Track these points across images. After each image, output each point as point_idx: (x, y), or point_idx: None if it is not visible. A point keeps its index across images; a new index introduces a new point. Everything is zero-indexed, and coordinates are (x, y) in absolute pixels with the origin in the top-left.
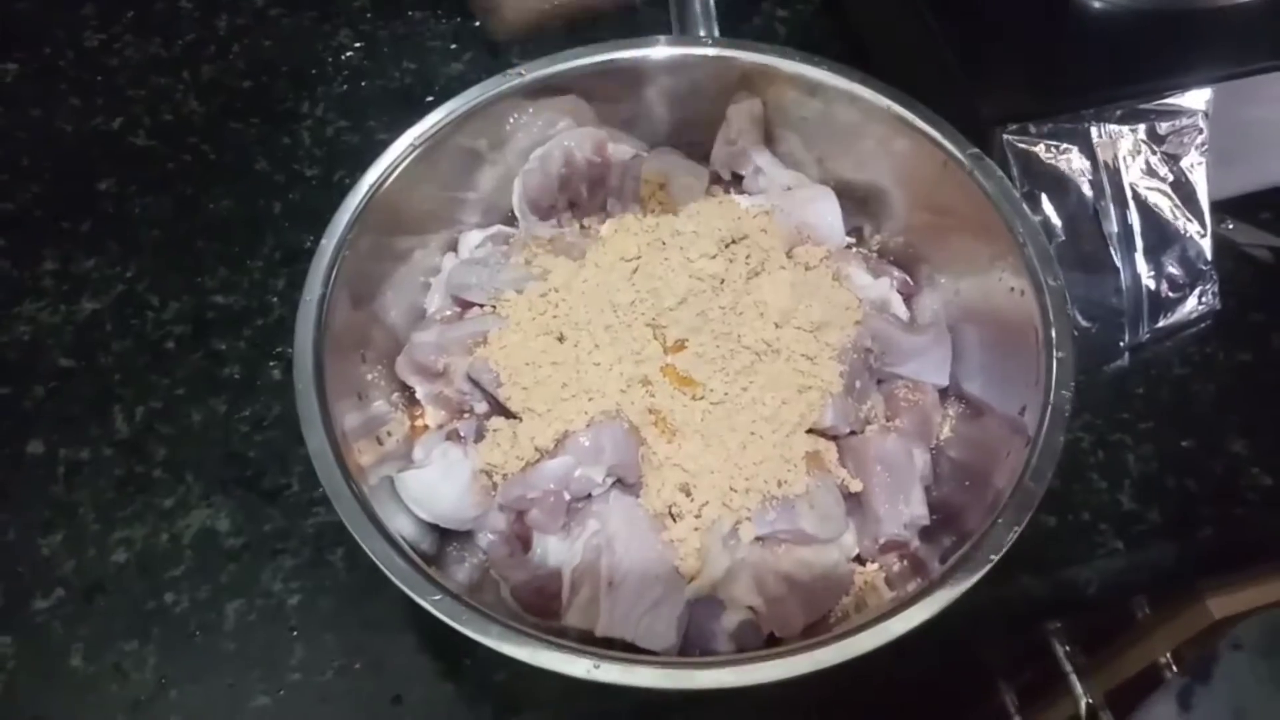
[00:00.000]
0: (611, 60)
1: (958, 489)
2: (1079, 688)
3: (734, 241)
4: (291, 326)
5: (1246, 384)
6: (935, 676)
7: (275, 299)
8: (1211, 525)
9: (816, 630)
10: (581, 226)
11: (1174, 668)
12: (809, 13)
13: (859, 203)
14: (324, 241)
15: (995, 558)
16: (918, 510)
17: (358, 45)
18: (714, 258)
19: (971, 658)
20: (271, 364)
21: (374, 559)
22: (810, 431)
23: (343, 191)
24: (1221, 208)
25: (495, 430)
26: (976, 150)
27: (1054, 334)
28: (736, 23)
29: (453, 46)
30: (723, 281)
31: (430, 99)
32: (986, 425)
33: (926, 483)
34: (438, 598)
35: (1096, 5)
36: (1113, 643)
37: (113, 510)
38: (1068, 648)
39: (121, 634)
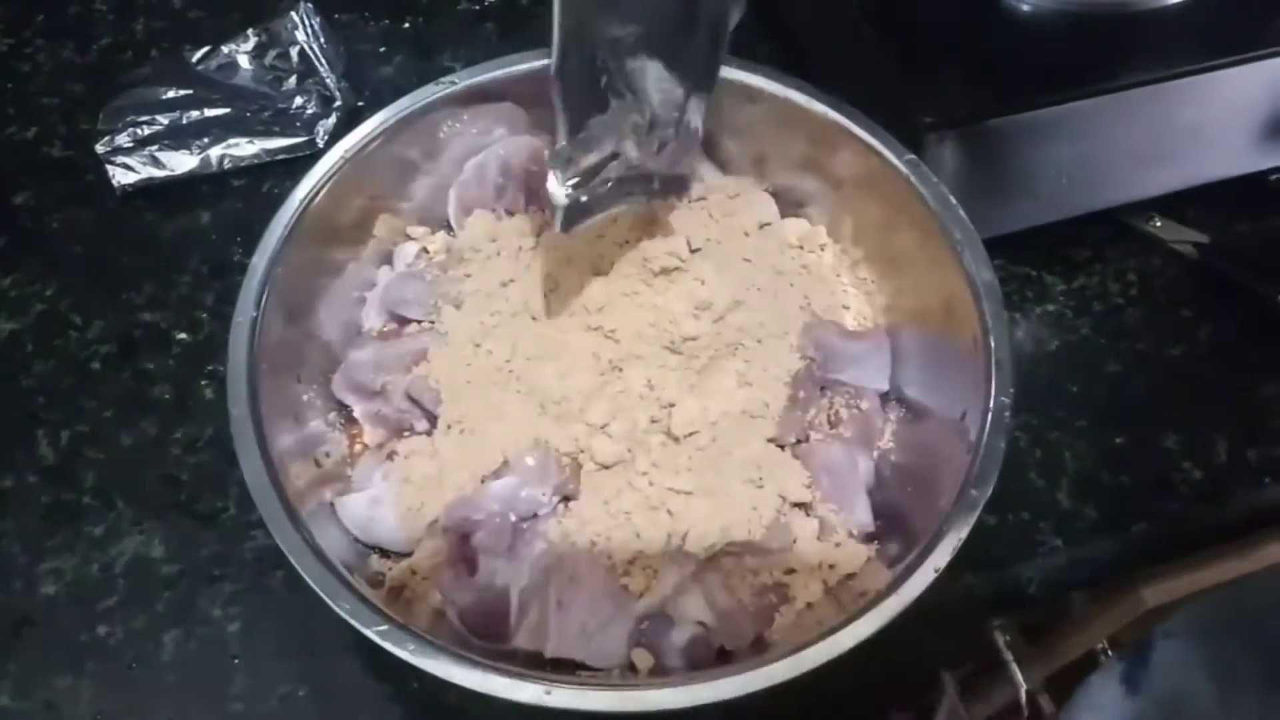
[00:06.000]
0: (547, 66)
1: (902, 493)
2: (1019, 676)
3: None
4: (222, 343)
5: (1177, 379)
6: (877, 669)
7: (205, 315)
8: (1146, 520)
9: (766, 639)
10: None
11: (1110, 653)
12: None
13: (798, 208)
14: (255, 260)
15: (939, 569)
16: (862, 518)
17: None
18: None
19: (915, 652)
20: (204, 383)
21: (317, 591)
22: None
23: (272, 201)
24: (1149, 206)
25: (437, 451)
26: (913, 156)
27: (993, 341)
28: None
29: (382, 50)
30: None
31: (361, 104)
32: (928, 429)
33: (870, 488)
34: (383, 628)
35: (1025, 8)
36: (1051, 631)
37: (40, 540)
38: (1008, 638)
39: (53, 669)
